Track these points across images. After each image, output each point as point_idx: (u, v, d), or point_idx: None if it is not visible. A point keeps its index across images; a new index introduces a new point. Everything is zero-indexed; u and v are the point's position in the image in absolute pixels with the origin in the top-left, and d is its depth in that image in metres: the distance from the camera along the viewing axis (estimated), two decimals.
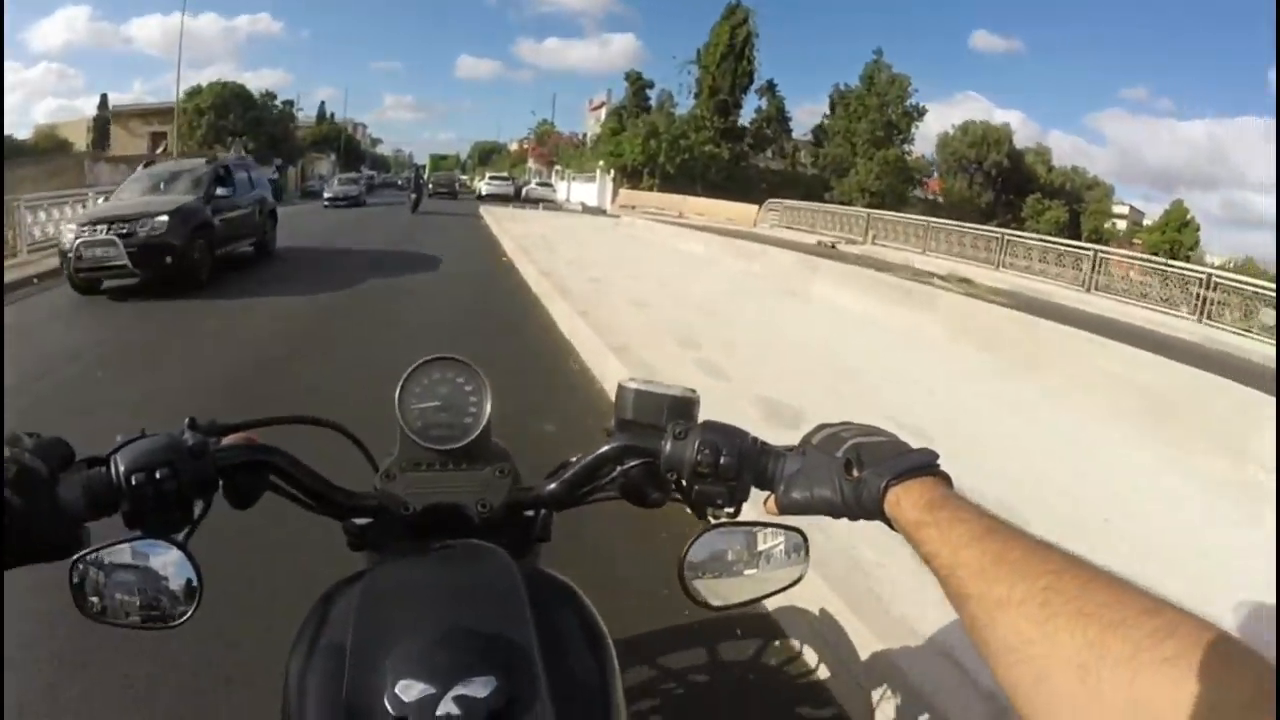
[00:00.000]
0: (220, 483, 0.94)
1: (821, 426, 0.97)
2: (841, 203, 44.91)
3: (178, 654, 2.65)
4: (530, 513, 1.12)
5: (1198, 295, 16.48)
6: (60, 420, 4.71)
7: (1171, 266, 18.66)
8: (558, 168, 66.55)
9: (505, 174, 61.55)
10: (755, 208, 40.24)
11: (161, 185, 12.42)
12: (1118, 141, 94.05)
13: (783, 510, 0.94)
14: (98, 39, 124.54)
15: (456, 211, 34.97)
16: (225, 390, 6.17)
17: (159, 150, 50.77)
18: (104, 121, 57.38)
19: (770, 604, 2.92)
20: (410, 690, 0.76)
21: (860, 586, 3.08)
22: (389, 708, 0.76)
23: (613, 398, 1.08)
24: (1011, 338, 8.29)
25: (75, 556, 0.85)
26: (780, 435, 1.05)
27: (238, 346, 7.77)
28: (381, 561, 1.05)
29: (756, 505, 0.99)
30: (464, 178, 77.40)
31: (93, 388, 6.13)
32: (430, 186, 45.91)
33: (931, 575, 0.75)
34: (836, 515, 0.89)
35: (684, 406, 1.04)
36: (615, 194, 47.55)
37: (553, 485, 1.08)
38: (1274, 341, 12.85)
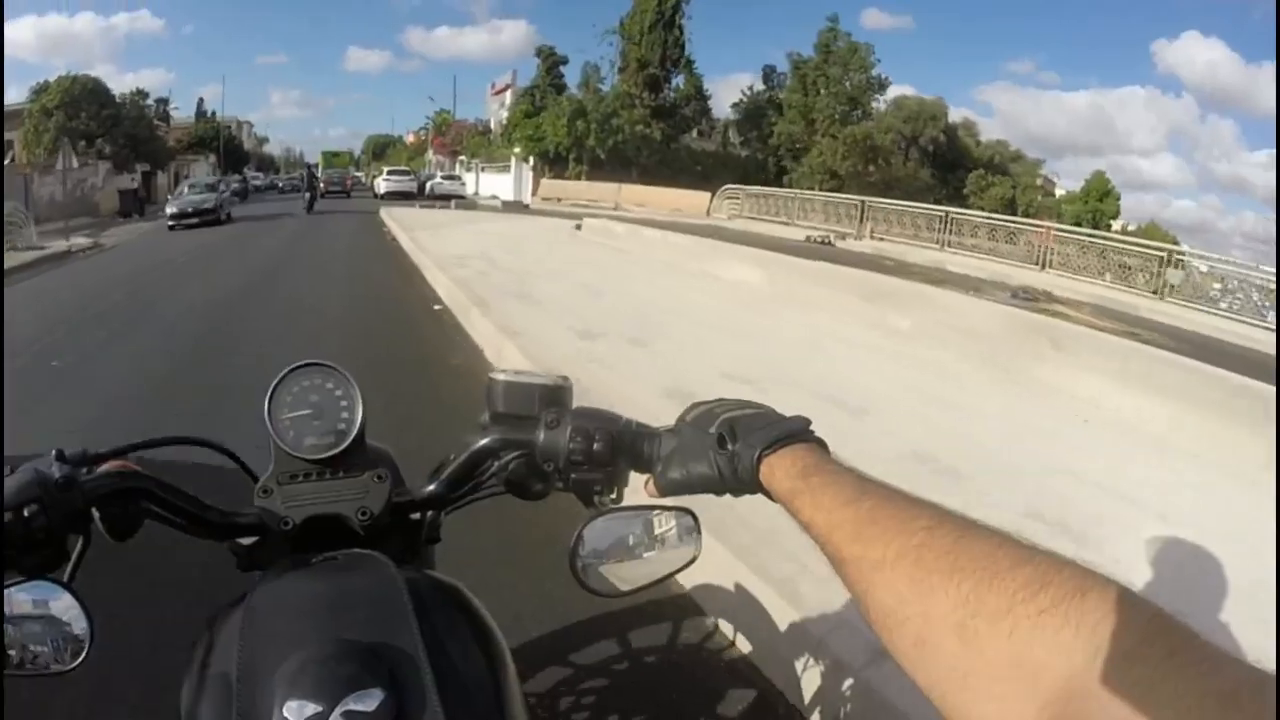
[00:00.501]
0: (95, 514, 0.91)
1: (695, 405, 0.96)
2: (803, 187, 40.43)
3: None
4: (416, 515, 1.11)
5: (1157, 274, 17.90)
6: None
7: (1143, 247, 19.72)
8: (462, 159, 60.45)
9: (406, 168, 54.85)
10: (706, 195, 35.31)
11: None
12: (1004, 113, 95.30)
13: (662, 492, 0.93)
14: None
15: (351, 212, 31.09)
16: None
17: (5, 160, 43.98)
18: None
19: (685, 583, 3.10)
20: (298, 710, 0.74)
21: (771, 558, 3.06)
22: None
23: None
24: None
25: None
26: None
27: None
28: (263, 579, 0.99)
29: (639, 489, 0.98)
30: (359, 174, 71.66)
31: None
32: (322, 186, 41.98)
33: None
34: (716, 491, 0.89)
35: (556, 394, 1.03)
36: (536, 185, 41.96)
37: (433, 486, 1.08)
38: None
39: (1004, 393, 6.23)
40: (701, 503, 0.96)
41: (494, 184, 49.03)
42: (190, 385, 6.49)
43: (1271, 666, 0.45)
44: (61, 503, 0.85)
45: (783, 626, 2.76)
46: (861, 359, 7.16)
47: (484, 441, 1.04)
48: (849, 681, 2.45)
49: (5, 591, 0.80)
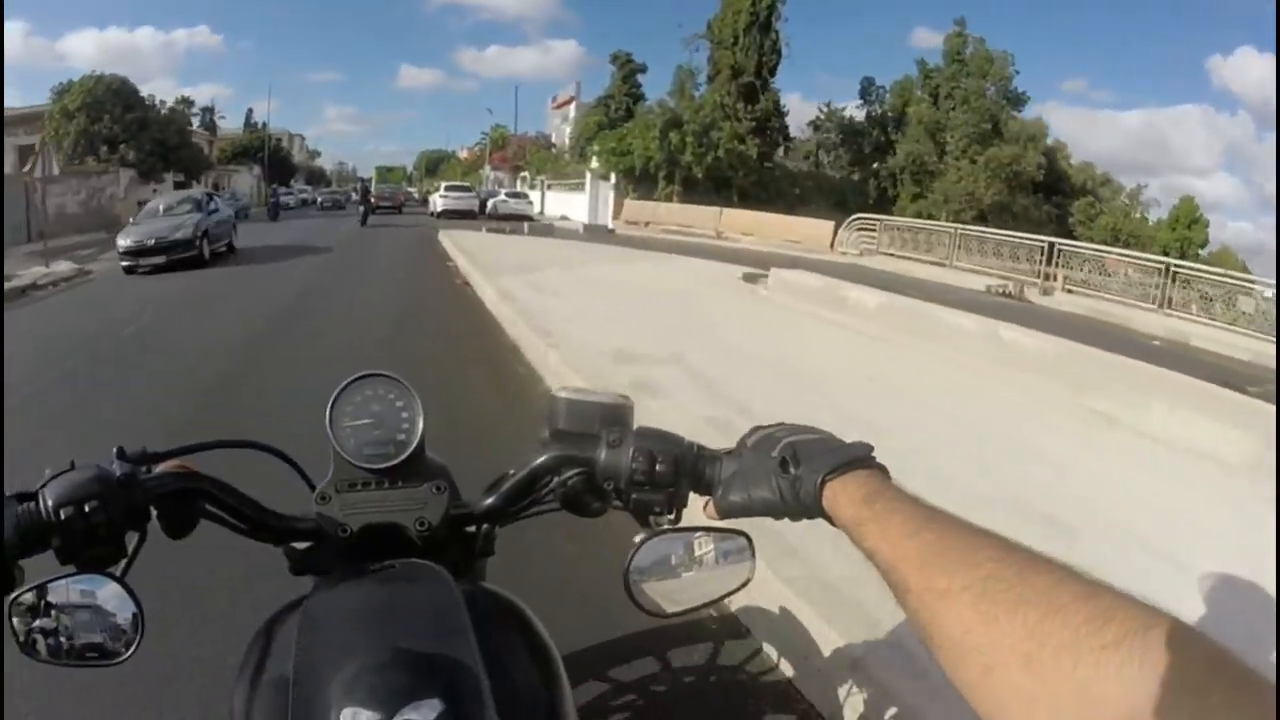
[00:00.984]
0: (153, 512, 0.93)
1: (756, 428, 0.96)
2: (938, 217, 34.28)
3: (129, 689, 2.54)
4: (472, 528, 1.11)
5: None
6: None
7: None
8: (524, 175, 55.07)
9: (465, 184, 49.19)
10: (828, 224, 29.34)
11: None
12: (1056, 132, 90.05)
13: (722, 514, 0.93)
14: (33, 57, 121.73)
15: (403, 232, 27.69)
16: None
17: (26, 169, 39.01)
18: None
19: (732, 605, 3.07)
20: (355, 718, 0.75)
21: (819, 583, 3.07)
22: None
23: None
24: None
25: (11, 596, 0.83)
26: None
27: None
28: (320, 585, 1.02)
29: (698, 510, 0.97)
30: (411, 190, 67.19)
31: None
32: (374, 201, 38.75)
33: None
34: (776, 515, 0.88)
35: (618, 414, 1.02)
36: (618, 206, 36.11)
37: (491, 500, 1.08)
38: None
39: None
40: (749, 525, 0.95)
41: (564, 203, 43.50)
42: None
43: None
44: (122, 500, 0.87)
45: (827, 651, 2.76)
46: None
47: (544, 458, 1.02)
48: (892, 710, 2.43)
49: (60, 583, 0.83)
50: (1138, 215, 45.78)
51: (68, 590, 0.84)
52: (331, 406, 1.07)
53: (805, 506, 0.84)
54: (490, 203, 41.53)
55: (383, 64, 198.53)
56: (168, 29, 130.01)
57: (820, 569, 3.11)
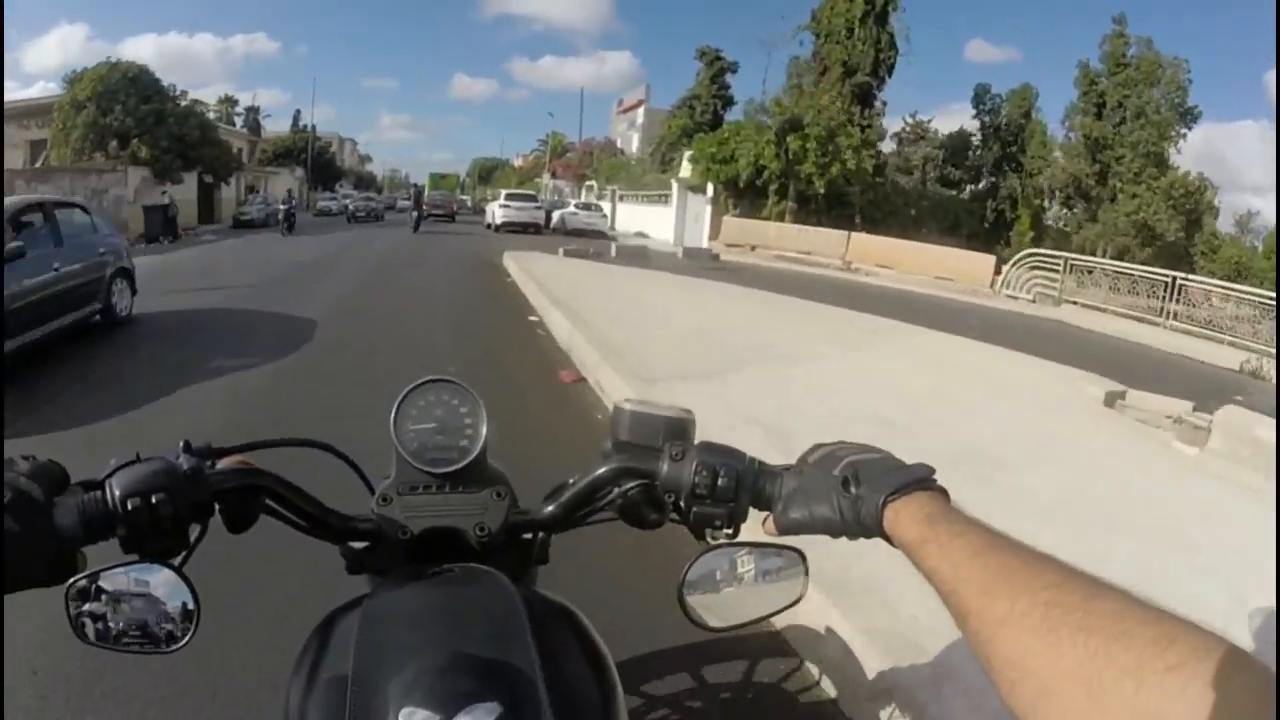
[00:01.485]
0: (216, 506, 0.94)
1: (817, 446, 0.97)
2: (1101, 253, 28.01)
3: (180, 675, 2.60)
4: (528, 535, 1.12)
5: None
6: None
7: None
8: (589, 184, 49.25)
9: (530, 192, 42.46)
10: (987, 259, 23.63)
11: None
12: None
13: (782, 530, 0.94)
14: (93, 60, 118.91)
15: (457, 242, 25.19)
16: None
17: (37, 164, 34.28)
18: None
19: (777, 623, 2.94)
20: (413, 718, 0.75)
21: (866, 604, 3.02)
22: None
23: None
24: None
25: (71, 580, 0.85)
26: None
27: None
28: (380, 586, 1.04)
29: (755, 525, 0.98)
30: (464, 197, 61.86)
31: None
32: (426, 208, 36.77)
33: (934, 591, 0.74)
34: (836, 534, 0.89)
35: (680, 427, 1.04)
36: (716, 225, 29.94)
37: (550, 508, 1.08)
38: None
39: None
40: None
41: (641, 218, 37.59)
42: None
43: None
44: (188, 493, 0.87)
45: (871, 673, 2.71)
46: None
47: (606, 469, 1.03)
48: None
49: (120, 570, 0.85)
50: (1248, 244, 38.70)
51: (128, 578, 0.86)
52: (396, 410, 1.09)
53: (865, 526, 0.84)
54: (557, 215, 35.71)
55: (437, 72, 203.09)
56: (226, 35, 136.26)
57: (870, 589, 3.05)
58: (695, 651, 2.73)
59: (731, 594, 0.99)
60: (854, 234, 26.52)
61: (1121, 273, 19.75)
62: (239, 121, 73.22)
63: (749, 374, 6.98)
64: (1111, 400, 7.03)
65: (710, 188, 30.83)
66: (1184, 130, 33.90)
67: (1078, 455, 5.56)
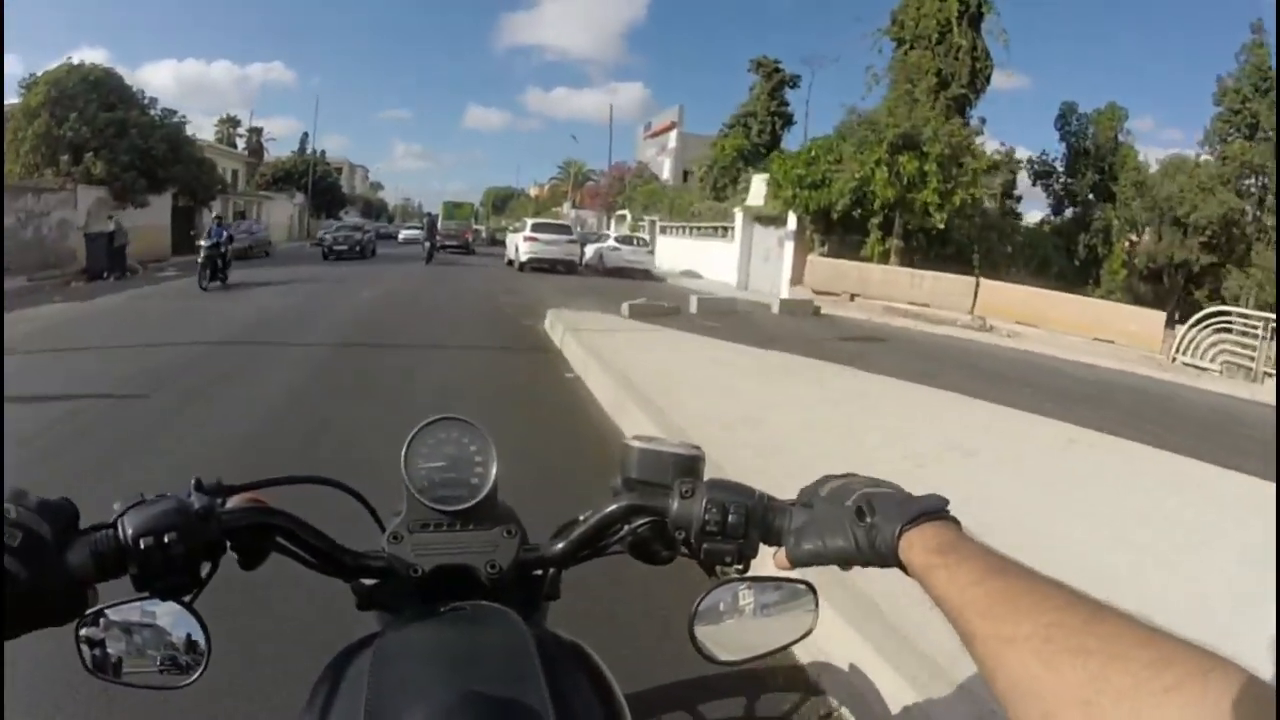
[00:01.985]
0: (228, 544, 0.95)
1: (826, 479, 0.98)
2: (1248, 303, 21.06)
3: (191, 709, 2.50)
4: (539, 572, 1.12)
5: None
6: None
7: None
8: (620, 213, 43.67)
9: (563, 223, 35.71)
10: (1154, 315, 18.57)
11: None
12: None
13: (794, 562, 0.94)
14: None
15: (475, 304, 17.38)
16: None
17: None
18: None
19: (801, 657, 3.03)
20: None
21: (889, 637, 2.97)
22: None
23: None
24: None
25: (82, 617, 0.85)
26: None
27: None
28: (393, 624, 1.04)
29: (764, 559, 0.99)
30: (478, 227, 56.31)
31: None
32: (439, 239, 34.79)
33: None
34: (850, 563, 0.90)
35: (690, 464, 1.04)
36: (800, 266, 23.94)
37: (561, 545, 1.08)
38: None
39: None
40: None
41: (688, 254, 31.90)
42: None
43: None
44: (200, 532, 0.88)
45: (895, 709, 2.68)
46: None
47: (617, 506, 1.04)
48: None
49: (131, 606, 0.86)
50: None
51: (139, 613, 0.87)
52: (406, 448, 1.09)
53: (881, 555, 0.85)
54: (591, 250, 30.15)
55: (451, 103, 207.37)
56: (243, 64, 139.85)
57: (894, 623, 3.01)
58: (703, 686, 2.65)
59: (741, 627, 0.99)
60: (983, 281, 20.71)
61: None
62: (240, 143, 68.48)
63: None
64: None
65: (792, 219, 24.63)
66: None
67: None
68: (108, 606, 0.85)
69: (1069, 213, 33.07)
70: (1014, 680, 0.62)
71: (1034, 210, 35.34)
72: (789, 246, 24.47)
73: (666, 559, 1.05)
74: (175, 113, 32.53)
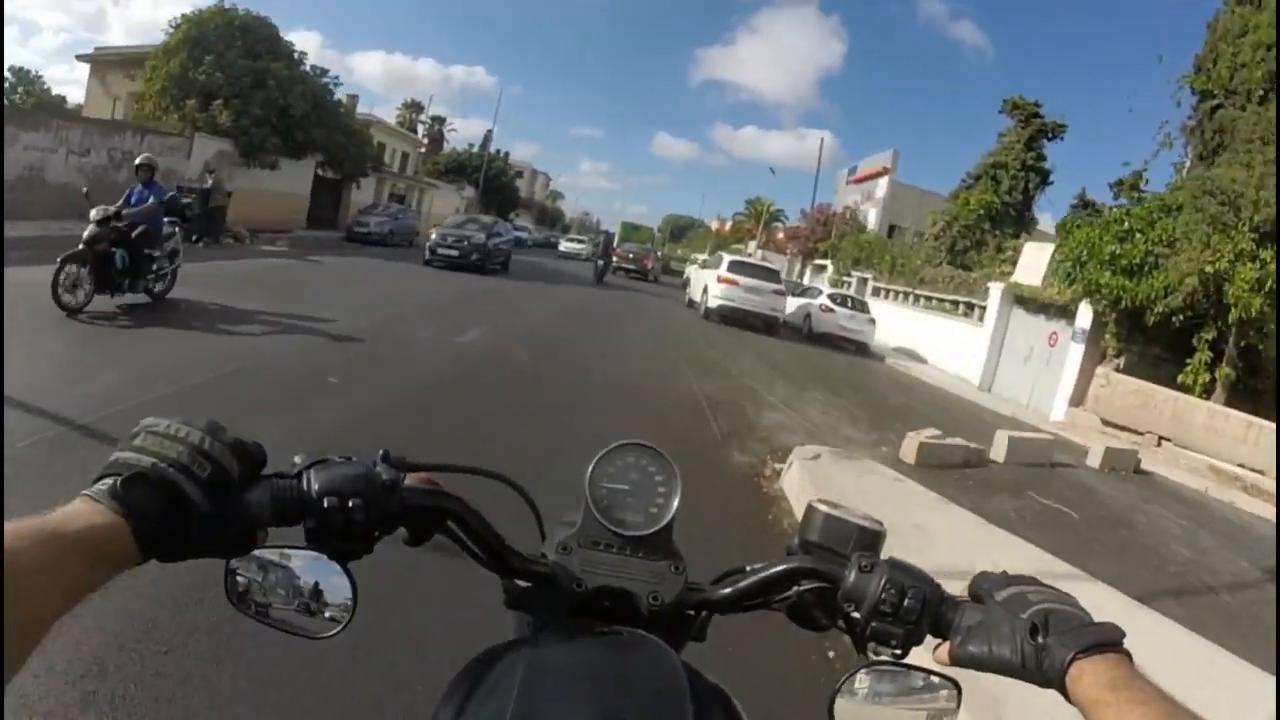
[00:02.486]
0: (402, 519, 0.96)
1: (1008, 579, 0.95)
2: None
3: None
4: (691, 612, 1.10)
5: None
6: None
7: None
8: (818, 262, 37.49)
9: (770, 265, 26.91)
10: None
11: None
12: None
13: (954, 661, 0.92)
14: (325, 66, 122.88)
15: (659, 385, 11.14)
16: None
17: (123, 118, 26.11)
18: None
19: None
20: None
21: None
22: None
23: None
24: None
25: (248, 554, 0.89)
26: None
27: None
28: (547, 634, 1.05)
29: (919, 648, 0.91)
30: (659, 254, 50.27)
31: None
32: (616, 259, 35.23)
33: None
34: (1011, 675, 0.87)
35: (871, 538, 1.03)
36: (1084, 381, 16.96)
37: (726, 590, 1.07)
38: None
39: None
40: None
41: (910, 328, 25.06)
42: None
43: None
44: (383, 503, 0.89)
45: None
46: None
47: (792, 564, 1.03)
48: None
49: (297, 555, 0.90)
50: None
51: (298, 563, 0.90)
52: (594, 466, 1.10)
53: (1046, 677, 0.83)
54: (795, 306, 23.54)
55: (642, 128, 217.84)
56: (447, 64, 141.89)
57: None
58: None
59: (881, 713, 0.96)
60: None
61: None
62: (421, 130, 65.52)
63: None
64: None
65: (1085, 311, 17.42)
66: None
67: None
68: (271, 548, 0.89)
69: None
70: None
71: None
72: (1074, 351, 17.44)
73: (824, 627, 1.03)
74: (326, 71, 28.01)
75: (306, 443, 1.09)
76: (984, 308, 21.30)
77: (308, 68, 26.80)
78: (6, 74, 42.45)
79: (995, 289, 20.69)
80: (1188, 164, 19.34)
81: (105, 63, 31.15)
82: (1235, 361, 15.52)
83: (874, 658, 0.95)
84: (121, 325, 8.60)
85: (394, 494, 0.91)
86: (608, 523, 1.08)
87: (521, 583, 1.06)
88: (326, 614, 0.91)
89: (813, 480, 6.24)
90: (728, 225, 78.70)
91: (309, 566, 0.91)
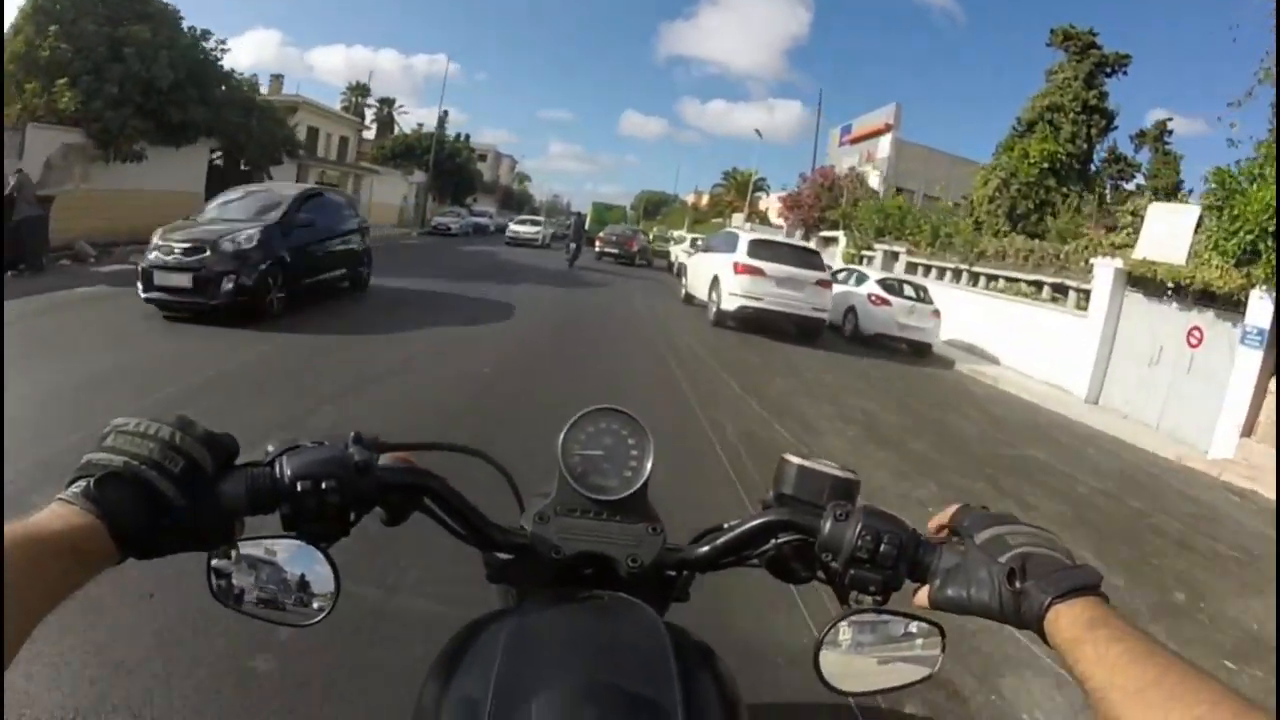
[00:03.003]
0: (378, 500, 0.96)
1: (989, 518, 0.94)
2: None
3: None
4: (672, 572, 1.10)
5: None
6: None
7: None
8: (828, 234, 32.26)
9: (807, 245, 20.44)
10: None
11: None
12: None
13: (934, 605, 0.92)
14: (283, 64, 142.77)
15: None
16: None
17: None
18: None
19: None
20: None
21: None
22: None
23: None
24: None
25: (224, 547, 0.88)
26: None
27: None
28: (529, 603, 1.04)
29: (900, 593, 0.95)
30: (649, 235, 44.89)
31: None
32: (599, 246, 34.74)
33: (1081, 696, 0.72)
34: (989, 619, 0.88)
35: (845, 488, 1.03)
36: (1260, 395, 11.19)
37: (704, 549, 1.06)
38: None
39: None
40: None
41: (973, 316, 19.35)
42: None
43: None
44: (356, 484, 0.89)
45: None
46: None
47: (767, 518, 1.02)
48: None
49: (273, 543, 0.89)
50: None
51: (278, 552, 0.89)
52: (565, 433, 1.09)
53: (1024, 620, 0.83)
54: (839, 296, 17.17)
55: (610, 108, 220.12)
56: (409, 54, 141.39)
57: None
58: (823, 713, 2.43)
59: (866, 661, 0.96)
60: None
61: None
62: (369, 114, 59.89)
63: None
64: None
65: (1261, 304, 11.85)
66: None
67: None
68: (249, 539, 0.87)
69: None
70: None
71: None
72: (1247, 358, 11.84)
73: (804, 579, 1.03)
74: (210, 34, 21.80)
75: None
76: (1085, 292, 15.88)
77: (185, 30, 20.82)
78: None
79: (1105, 266, 15.20)
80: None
81: None
82: None
83: (855, 606, 0.94)
84: None
85: (368, 474, 0.90)
86: (583, 489, 1.07)
87: (502, 556, 1.06)
88: (309, 602, 0.89)
89: None
90: (704, 199, 75.56)
91: (289, 556, 0.89)
